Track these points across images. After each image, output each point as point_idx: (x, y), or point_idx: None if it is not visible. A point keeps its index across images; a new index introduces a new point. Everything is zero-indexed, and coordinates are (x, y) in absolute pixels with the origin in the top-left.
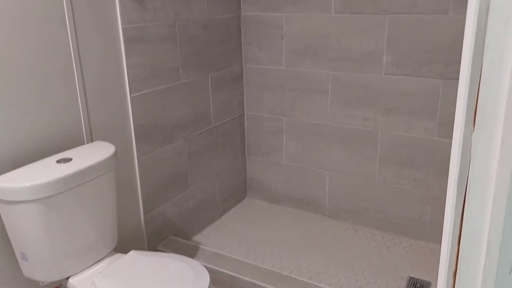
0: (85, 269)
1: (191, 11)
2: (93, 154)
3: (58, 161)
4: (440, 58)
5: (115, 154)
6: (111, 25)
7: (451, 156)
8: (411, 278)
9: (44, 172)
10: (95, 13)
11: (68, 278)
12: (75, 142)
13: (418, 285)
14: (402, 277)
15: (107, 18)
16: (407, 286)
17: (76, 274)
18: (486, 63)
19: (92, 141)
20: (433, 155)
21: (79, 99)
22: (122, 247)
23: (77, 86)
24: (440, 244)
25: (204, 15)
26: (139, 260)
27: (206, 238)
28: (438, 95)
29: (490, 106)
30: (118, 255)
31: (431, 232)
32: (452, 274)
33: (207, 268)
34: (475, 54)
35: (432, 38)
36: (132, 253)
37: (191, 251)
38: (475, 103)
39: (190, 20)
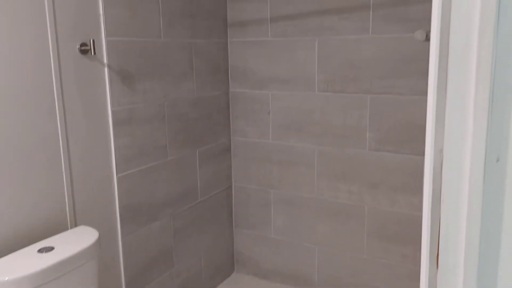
0: None
1: (180, 91)
2: (76, 241)
3: (40, 251)
4: (419, 137)
5: (99, 240)
6: (100, 109)
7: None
8: None
9: (25, 263)
10: (85, 98)
11: None
12: (58, 227)
13: None
14: None
15: (97, 102)
16: None
17: None
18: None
19: (76, 225)
20: (419, 230)
21: (65, 184)
22: None
23: (64, 171)
24: None
25: (193, 93)
26: None
27: None
28: (420, 172)
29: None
30: None
31: None
32: None
33: None
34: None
35: (411, 117)
36: None
37: None
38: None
39: (179, 99)
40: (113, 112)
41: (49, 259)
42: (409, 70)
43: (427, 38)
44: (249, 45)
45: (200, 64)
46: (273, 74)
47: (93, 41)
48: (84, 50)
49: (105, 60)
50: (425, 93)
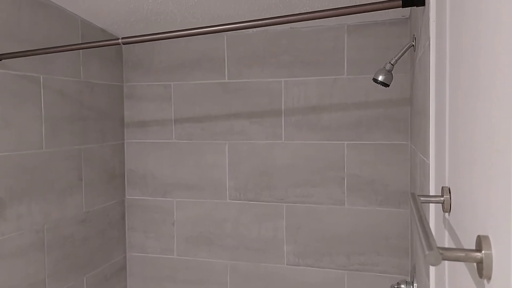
0: None
1: (65, 209)
2: None
3: None
4: (340, 249)
5: None
6: None
7: None
8: None
9: None
10: None
11: None
12: None
13: None
14: None
15: None
16: None
17: None
18: None
19: None
20: None
21: None
22: None
23: None
24: None
25: (81, 209)
26: None
27: None
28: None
29: None
30: None
31: None
32: None
33: None
34: None
35: (330, 228)
36: None
37: None
38: None
39: (63, 219)
40: None
41: None
42: (326, 177)
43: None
44: (150, 147)
45: (90, 172)
46: (178, 180)
47: None
48: None
49: None
50: (342, 202)
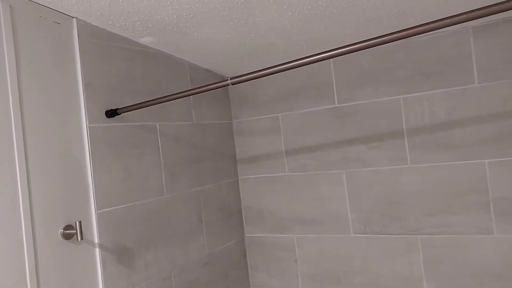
0: None
1: (189, 253)
2: None
3: None
4: (495, 286)
5: None
6: None
7: None
8: None
9: None
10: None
11: None
12: None
13: None
14: None
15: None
16: None
17: None
18: None
19: None
20: None
21: None
22: None
23: None
24: None
25: (204, 251)
26: None
27: None
28: None
29: None
30: None
31: None
32: None
33: None
34: None
35: (478, 262)
36: None
37: None
38: None
39: (188, 263)
40: None
41: None
42: (467, 203)
43: None
44: (264, 181)
45: (209, 213)
46: (295, 214)
47: (80, 223)
48: (69, 234)
49: (96, 240)
50: (490, 231)
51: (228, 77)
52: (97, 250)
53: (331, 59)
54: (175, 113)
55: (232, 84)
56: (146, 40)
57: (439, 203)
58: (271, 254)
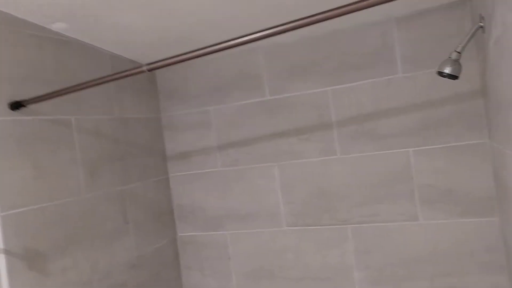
0: None
1: (113, 255)
2: None
3: None
4: (421, 271)
5: None
6: None
7: None
8: None
9: None
10: None
11: None
12: None
13: None
14: None
15: None
16: None
17: None
18: None
19: None
20: None
21: None
22: None
23: None
24: None
25: (132, 252)
26: None
27: None
28: None
29: None
30: None
31: None
32: None
33: None
34: None
35: (405, 249)
36: None
37: None
38: None
39: (113, 266)
40: None
41: None
42: (392, 192)
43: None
44: (195, 178)
45: (137, 213)
46: (228, 210)
47: None
48: None
49: (0, 245)
50: (416, 217)
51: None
52: (1, 256)
53: (260, 51)
54: (93, 106)
55: (149, 71)
56: (58, 27)
57: (367, 192)
58: (204, 252)
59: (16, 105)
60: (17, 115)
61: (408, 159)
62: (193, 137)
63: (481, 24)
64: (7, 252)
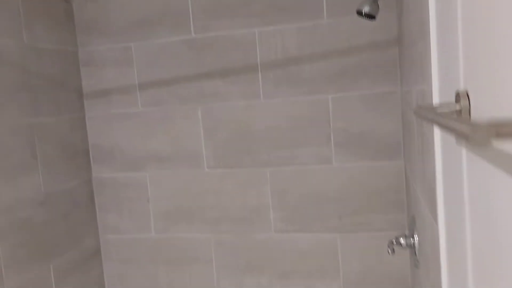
0: None
1: (17, 189)
2: None
3: None
4: (331, 211)
5: None
6: None
7: None
8: None
9: None
10: None
11: None
12: None
13: None
14: None
15: None
16: None
17: None
18: None
19: None
20: None
21: None
22: None
23: None
24: None
25: (39, 189)
26: None
27: None
28: (337, 251)
29: None
30: None
31: None
32: None
33: None
34: None
35: (318, 190)
36: None
37: None
38: None
39: (17, 200)
40: None
41: None
42: (310, 136)
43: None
44: (115, 118)
45: (47, 149)
46: (148, 152)
47: None
48: None
49: None
50: (330, 160)
51: None
52: None
53: None
54: None
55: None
56: None
57: (287, 136)
58: (122, 194)
59: None
60: None
61: (327, 104)
62: (113, 75)
63: None
64: None
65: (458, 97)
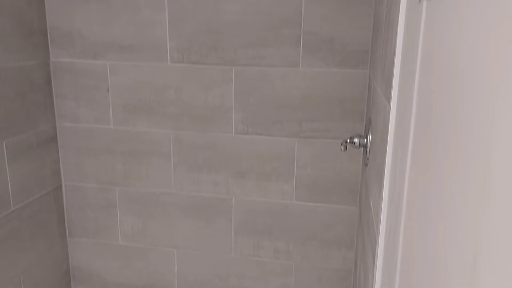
0: None
1: None
2: None
3: None
4: (292, 115)
5: None
6: None
7: None
8: None
9: None
10: None
11: None
12: None
13: None
14: None
15: None
16: None
17: None
18: None
19: None
20: (292, 220)
21: None
22: None
23: None
24: None
25: None
26: None
27: None
28: (293, 155)
29: None
30: None
31: None
32: None
33: None
34: None
35: (282, 93)
36: None
37: None
38: None
39: None
40: None
41: None
42: (281, 36)
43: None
44: (76, 0)
45: (1, 22)
46: (110, 39)
47: None
48: None
49: None
50: (297, 64)
51: None
52: None
53: None
54: None
55: None
56: None
57: (256, 34)
58: (81, 81)
59: None
60: None
61: (300, 4)
62: None
63: None
64: None
65: None
